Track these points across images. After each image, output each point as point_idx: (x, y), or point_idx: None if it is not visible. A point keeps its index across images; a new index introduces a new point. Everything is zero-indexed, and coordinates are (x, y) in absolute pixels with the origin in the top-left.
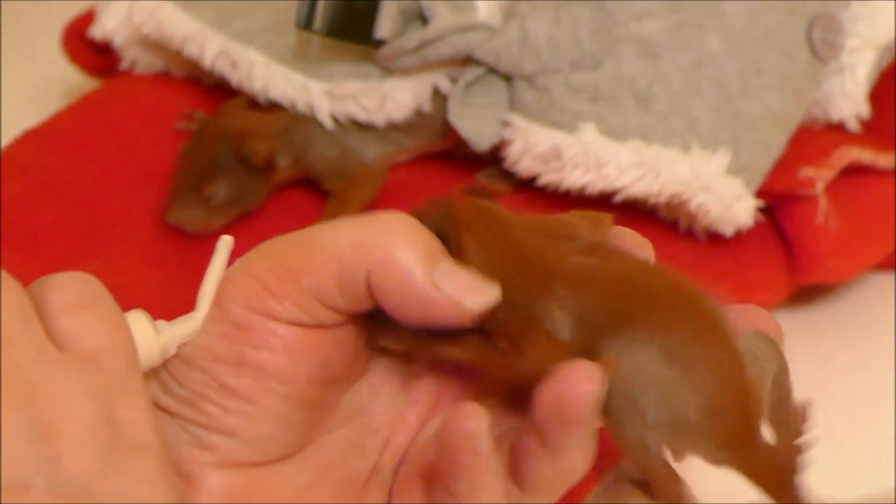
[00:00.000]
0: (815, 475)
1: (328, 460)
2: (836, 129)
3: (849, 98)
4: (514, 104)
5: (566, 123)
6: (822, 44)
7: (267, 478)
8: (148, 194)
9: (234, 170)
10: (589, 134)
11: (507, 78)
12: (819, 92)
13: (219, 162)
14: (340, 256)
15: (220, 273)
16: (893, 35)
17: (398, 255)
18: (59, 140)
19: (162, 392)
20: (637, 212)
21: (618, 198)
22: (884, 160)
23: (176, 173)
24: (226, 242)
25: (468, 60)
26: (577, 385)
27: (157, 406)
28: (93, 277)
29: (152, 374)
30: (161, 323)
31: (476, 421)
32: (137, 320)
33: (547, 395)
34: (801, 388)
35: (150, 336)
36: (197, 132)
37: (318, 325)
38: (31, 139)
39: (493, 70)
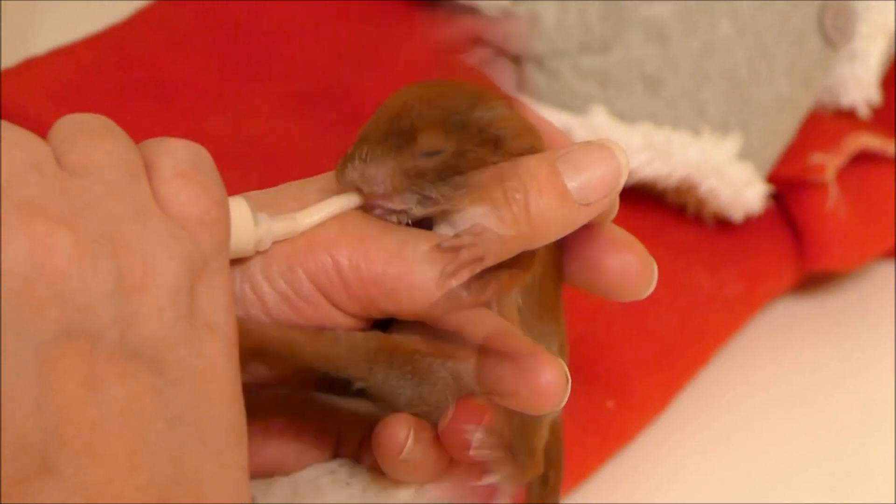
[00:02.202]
0: (816, 467)
1: None
2: (846, 116)
3: (860, 84)
4: (523, 86)
5: (576, 106)
6: (834, 29)
7: None
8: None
9: None
10: (598, 116)
11: (516, 60)
12: (830, 78)
13: None
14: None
15: (342, 207)
16: None
17: None
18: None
19: None
20: (645, 196)
21: (627, 182)
22: (892, 148)
23: None
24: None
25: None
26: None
27: None
28: (204, 151)
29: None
30: (262, 216)
31: (406, 431)
32: (239, 206)
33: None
34: (803, 379)
35: (248, 223)
36: None
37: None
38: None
39: (501, 52)
